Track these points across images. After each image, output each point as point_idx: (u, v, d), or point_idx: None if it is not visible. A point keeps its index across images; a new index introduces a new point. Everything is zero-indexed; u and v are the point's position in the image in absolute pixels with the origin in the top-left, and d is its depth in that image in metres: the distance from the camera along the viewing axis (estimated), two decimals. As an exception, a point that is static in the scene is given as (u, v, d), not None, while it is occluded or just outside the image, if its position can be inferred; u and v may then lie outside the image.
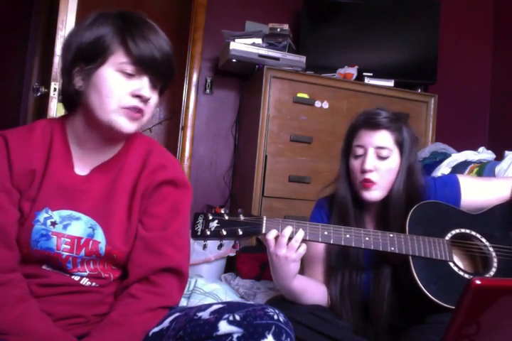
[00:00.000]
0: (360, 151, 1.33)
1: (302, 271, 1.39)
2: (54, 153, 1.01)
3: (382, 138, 1.31)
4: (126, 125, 0.98)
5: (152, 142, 1.12)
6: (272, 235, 1.14)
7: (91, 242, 0.99)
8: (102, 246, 1.00)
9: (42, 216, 0.98)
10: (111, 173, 1.04)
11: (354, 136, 1.36)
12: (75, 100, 1.01)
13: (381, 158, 1.30)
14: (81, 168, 1.04)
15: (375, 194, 1.30)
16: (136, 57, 0.95)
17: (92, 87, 0.97)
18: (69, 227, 0.99)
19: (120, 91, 0.96)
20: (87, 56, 0.96)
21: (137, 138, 1.09)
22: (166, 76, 1.02)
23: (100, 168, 1.04)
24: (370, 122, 1.32)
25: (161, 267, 1.01)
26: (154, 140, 1.14)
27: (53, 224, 0.98)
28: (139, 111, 0.98)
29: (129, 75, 0.97)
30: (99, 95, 0.96)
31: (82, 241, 0.99)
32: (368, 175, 1.29)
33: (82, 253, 0.99)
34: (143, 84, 0.98)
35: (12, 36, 2.75)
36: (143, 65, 0.96)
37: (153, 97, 1.01)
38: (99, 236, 1.00)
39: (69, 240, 0.98)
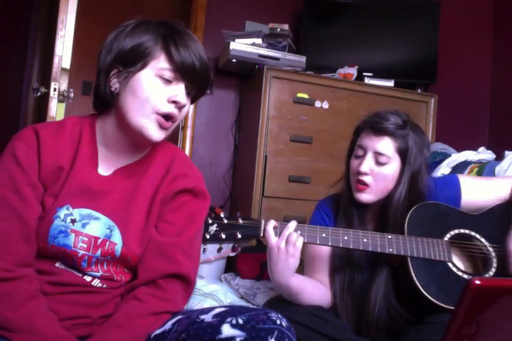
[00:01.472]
0: (360, 152, 1.33)
1: (302, 272, 1.40)
2: (81, 151, 1.02)
3: (384, 144, 1.29)
4: (156, 133, 1.00)
5: (177, 150, 1.13)
6: (270, 225, 1.16)
7: (108, 243, 1.00)
8: (118, 248, 1.00)
9: (63, 212, 0.99)
10: (134, 177, 1.05)
11: (358, 135, 1.36)
12: (108, 101, 1.02)
13: (379, 163, 1.30)
14: (104, 169, 1.05)
15: (366, 197, 1.31)
16: (177, 64, 0.97)
17: (129, 90, 0.98)
18: (87, 226, 1.00)
19: (158, 96, 0.98)
20: (127, 60, 0.98)
21: (163, 146, 1.11)
22: (201, 84, 1.03)
23: (123, 170, 1.05)
24: (375, 126, 1.30)
25: (170, 272, 1.01)
26: (179, 149, 1.16)
27: (73, 221, 0.99)
28: (171, 118, 1.00)
29: (167, 81, 0.99)
30: (136, 98, 0.97)
31: (99, 241, 1.00)
32: (362, 177, 1.30)
33: (98, 253, 1.00)
34: (180, 91, 0.99)
35: (12, 36, 2.75)
36: (182, 72, 0.98)
37: (188, 104, 1.03)
38: (116, 237, 1.01)
39: (86, 239, 0.99)
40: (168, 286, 1.01)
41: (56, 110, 1.97)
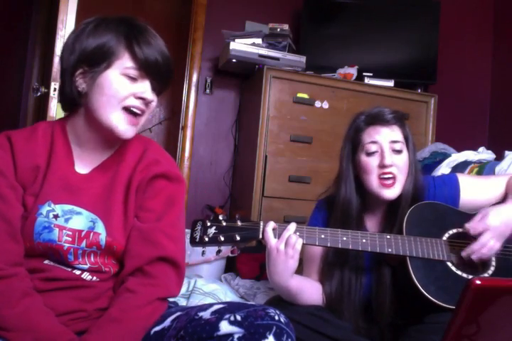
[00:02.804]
0: (373, 148, 1.32)
1: (301, 273, 1.39)
2: (56, 151, 1.04)
3: (396, 132, 1.33)
4: (126, 131, 1.02)
5: (149, 141, 1.15)
6: (269, 227, 1.16)
7: (92, 234, 1.01)
8: (103, 238, 1.01)
9: (45, 209, 1.00)
10: (110, 171, 1.07)
11: (362, 134, 1.35)
12: (76, 101, 1.04)
13: (396, 151, 1.31)
14: (81, 167, 1.06)
15: (395, 192, 1.30)
16: (141, 62, 1.00)
17: (96, 88, 1.00)
18: (70, 221, 1.01)
19: (125, 92, 1.00)
20: (91, 60, 1.00)
21: (135, 137, 1.12)
22: (165, 79, 1.06)
23: (99, 167, 1.07)
24: (381, 118, 1.33)
25: (155, 256, 1.01)
26: (151, 139, 1.18)
27: (55, 216, 1.00)
28: (139, 114, 1.03)
29: (133, 79, 1.01)
30: (103, 95, 1.00)
31: (83, 233, 1.01)
32: (388, 170, 1.30)
33: (83, 244, 1.00)
34: (146, 88, 1.02)
35: (12, 36, 2.75)
36: (147, 70, 1.01)
37: (154, 99, 1.05)
38: (100, 228, 1.02)
39: (70, 233, 1.00)
40: (155, 271, 1.01)
41: (56, 110, 1.97)
